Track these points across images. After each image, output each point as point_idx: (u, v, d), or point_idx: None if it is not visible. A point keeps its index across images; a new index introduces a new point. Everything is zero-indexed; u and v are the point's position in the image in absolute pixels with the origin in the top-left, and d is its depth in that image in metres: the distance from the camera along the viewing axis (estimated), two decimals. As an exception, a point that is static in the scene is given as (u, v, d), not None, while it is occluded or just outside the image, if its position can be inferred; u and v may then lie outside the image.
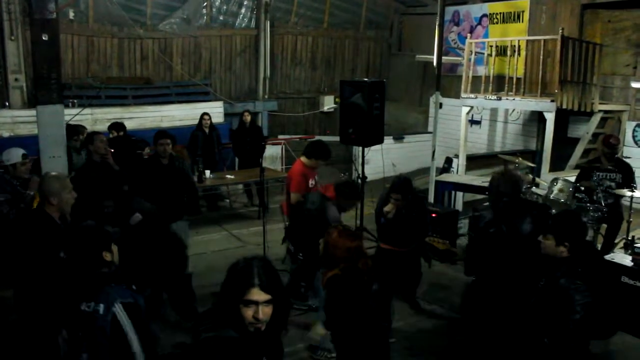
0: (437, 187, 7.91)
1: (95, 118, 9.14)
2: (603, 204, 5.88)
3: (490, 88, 9.04)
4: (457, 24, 11.91)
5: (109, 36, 10.29)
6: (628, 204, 6.02)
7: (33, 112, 6.10)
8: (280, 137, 11.42)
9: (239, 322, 2.08)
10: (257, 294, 2.06)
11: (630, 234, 5.69)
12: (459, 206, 8.19)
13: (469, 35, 10.22)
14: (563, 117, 9.15)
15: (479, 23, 11.39)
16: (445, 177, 8.45)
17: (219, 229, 8.01)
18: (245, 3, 11.56)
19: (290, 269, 5.63)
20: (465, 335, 4.65)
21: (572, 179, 6.37)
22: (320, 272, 4.32)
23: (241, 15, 11.65)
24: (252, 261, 2.14)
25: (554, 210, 5.18)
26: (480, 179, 7.84)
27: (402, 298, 5.46)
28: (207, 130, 8.67)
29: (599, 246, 6.11)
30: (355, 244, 3.36)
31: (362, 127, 5.60)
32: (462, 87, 9.45)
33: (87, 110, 8.71)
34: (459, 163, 9.18)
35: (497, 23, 11.03)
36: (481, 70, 9.54)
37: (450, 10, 11.48)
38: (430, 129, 10.71)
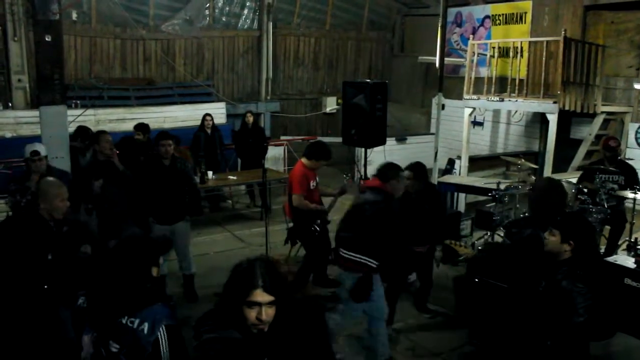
0: (439, 189, 7.88)
1: (98, 119, 9.16)
2: (606, 206, 5.84)
3: (492, 89, 9.02)
4: (460, 25, 11.91)
5: (112, 37, 10.32)
6: (631, 205, 6.01)
7: (36, 112, 6.11)
8: (282, 138, 11.41)
9: (241, 323, 2.08)
10: (261, 295, 2.05)
11: (633, 236, 5.68)
12: (462, 207, 8.19)
13: (471, 36, 10.21)
14: (566, 119, 9.12)
15: (482, 24, 11.39)
16: (447, 179, 8.42)
17: (221, 230, 8.01)
18: (247, 4, 11.59)
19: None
20: (469, 337, 4.65)
21: (575, 180, 6.36)
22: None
23: (244, 17, 11.68)
24: (255, 262, 2.13)
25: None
26: (482, 180, 7.83)
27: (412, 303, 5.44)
28: (209, 131, 8.66)
29: (602, 248, 6.09)
30: None
31: (365, 128, 5.62)
32: (465, 88, 9.44)
33: (89, 111, 8.74)
34: (462, 164, 9.18)
35: (499, 24, 11.03)
36: (484, 72, 9.53)
37: (452, 11, 11.47)
38: (432, 130, 10.73)
